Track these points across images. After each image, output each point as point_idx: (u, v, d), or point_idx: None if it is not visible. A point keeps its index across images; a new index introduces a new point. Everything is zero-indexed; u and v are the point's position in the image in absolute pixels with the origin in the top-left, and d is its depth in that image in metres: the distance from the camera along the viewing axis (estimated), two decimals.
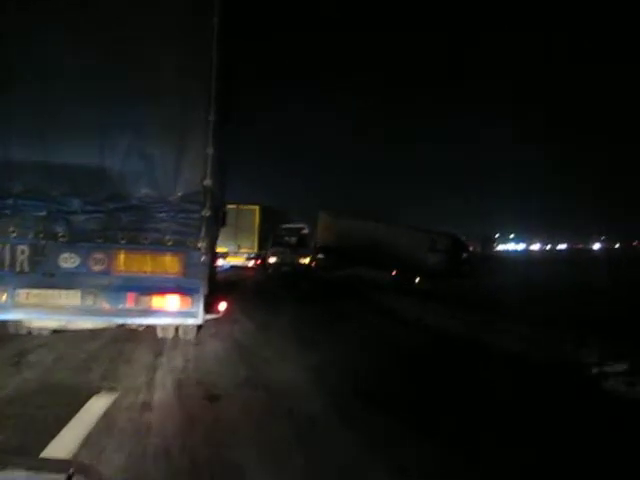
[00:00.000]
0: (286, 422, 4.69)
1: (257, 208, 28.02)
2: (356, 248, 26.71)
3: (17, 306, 5.62)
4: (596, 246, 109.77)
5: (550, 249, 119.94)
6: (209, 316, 6.20)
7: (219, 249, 25.65)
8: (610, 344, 8.27)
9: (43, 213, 5.64)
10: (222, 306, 6.47)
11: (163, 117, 5.82)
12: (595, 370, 6.82)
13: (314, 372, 6.42)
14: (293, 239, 27.87)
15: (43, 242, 5.62)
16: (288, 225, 30.29)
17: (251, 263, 28.04)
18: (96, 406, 4.76)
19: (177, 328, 7.05)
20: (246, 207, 26.85)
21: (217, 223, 6.48)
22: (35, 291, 5.63)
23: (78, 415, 4.49)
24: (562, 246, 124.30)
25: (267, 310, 12.12)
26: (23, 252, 5.59)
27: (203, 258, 5.87)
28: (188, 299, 5.81)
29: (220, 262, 22.31)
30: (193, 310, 5.84)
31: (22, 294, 5.61)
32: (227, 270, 23.73)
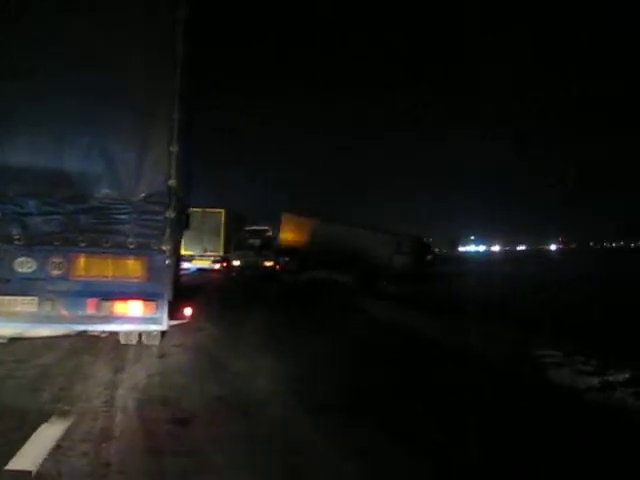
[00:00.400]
0: (268, 450, 4.15)
1: (223, 212, 28.08)
2: (320, 250, 26.41)
3: None
4: (552, 247, 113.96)
5: (510, 250, 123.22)
6: (174, 322, 5.95)
7: (185, 252, 24.13)
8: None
9: None
10: (187, 311, 6.23)
11: (125, 114, 5.54)
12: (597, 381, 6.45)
13: (292, 385, 5.99)
14: (257, 241, 27.02)
15: None
16: (251, 227, 29.92)
17: (217, 266, 28.00)
18: (45, 436, 4.16)
19: (140, 334, 6.81)
20: (212, 211, 27.15)
21: (181, 225, 6.12)
22: None
23: (22, 451, 3.84)
24: (522, 247, 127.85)
25: (234, 316, 11.67)
26: None
27: (167, 261, 5.62)
28: (152, 304, 5.54)
29: (187, 265, 23.50)
30: (157, 316, 5.57)
31: None
32: (193, 273, 24.65)
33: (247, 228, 29.57)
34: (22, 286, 5.30)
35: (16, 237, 5.29)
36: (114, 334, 6.68)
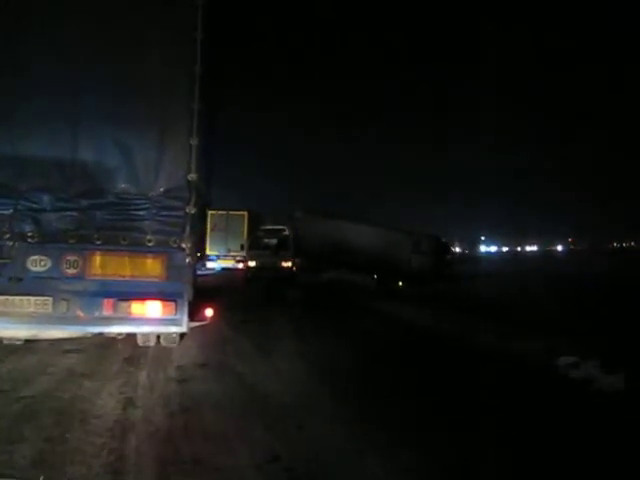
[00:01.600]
0: None
1: (245, 214, 29.15)
2: (336, 250, 26.02)
3: None
4: (559, 247, 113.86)
5: (521, 251, 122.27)
6: (194, 323, 5.67)
7: (211, 252, 26.18)
8: None
9: (9, 211, 5.10)
10: (208, 312, 5.94)
11: (143, 106, 5.34)
12: None
13: (371, 439, 4.58)
14: (273, 241, 25.81)
15: (9, 243, 5.09)
16: (267, 226, 28.93)
17: (240, 265, 28.82)
18: None
19: (159, 336, 6.49)
20: (235, 213, 28.75)
21: (203, 222, 5.91)
22: (1, 298, 5.07)
23: None
24: (533, 248, 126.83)
25: (261, 324, 10.80)
26: None
27: (188, 260, 5.39)
28: (171, 305, 5.31)
29: (212, 264, 26.57)
30: (177, 317, 5.34)
31: None
32: (219, 272, 26.67)
33: (263, 227, 28.53)
34: (36, 286, 5.12)
35: (29, 234, 5.11)
36: (131, 335, 6.42)
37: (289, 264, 25.06)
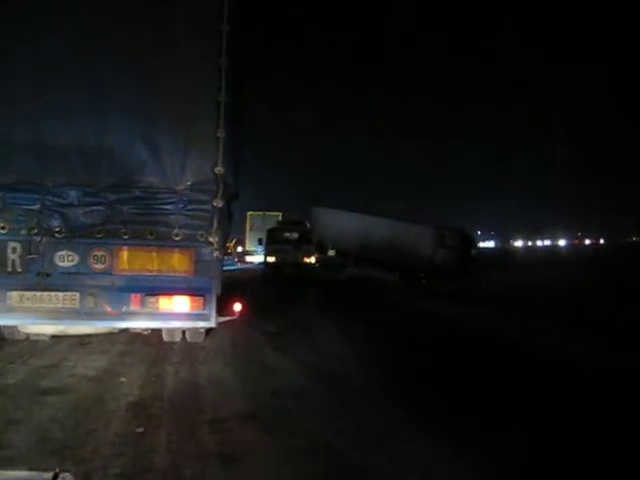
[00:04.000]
0: None
1: (280, 214, 30.11)
2: (357, 245, 25.57)
3: (9, 310, 5.07)
4: (561, 242, 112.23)
5: (532, 246, 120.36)
6: (223, 318, 5.61)
7: (249, 248, 29.98)
8: None
9: (37, 206, 5.07)
10: (237, 307, 5.87)
11: (169, 99, 5.25)
12: None
13: None
14: (294, 235, 23.66)
15: (37, 238, 5.06)
16: (287, 219, 27.49)
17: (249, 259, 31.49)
18: None
19: (184, 332, 6.58)
20: (271, 213, 31.15)
21: (230, 216, 5.84)
22: (29, 293, 5.07)
23: None
24: (545, 242, 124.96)
25: (296, 333, 9.34)
26: (15, 250, 5.04)
27: (215, 254, 5.31)
28: (199, 300, 5.27)
29: (251, 259, 30.34)
30: (205, 312, 5.29)
31: (15, 297, 5.06)
32: (257, 265, 27.58)
33: (281, 219, 27.44)
34: (63, 281, 5.11)
35: (57, 229, 5.07)
36: (156, 331, 6.45)
37: (312, 260, 23.07)
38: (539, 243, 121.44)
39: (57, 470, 1.31)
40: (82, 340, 7.43)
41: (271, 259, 22.78)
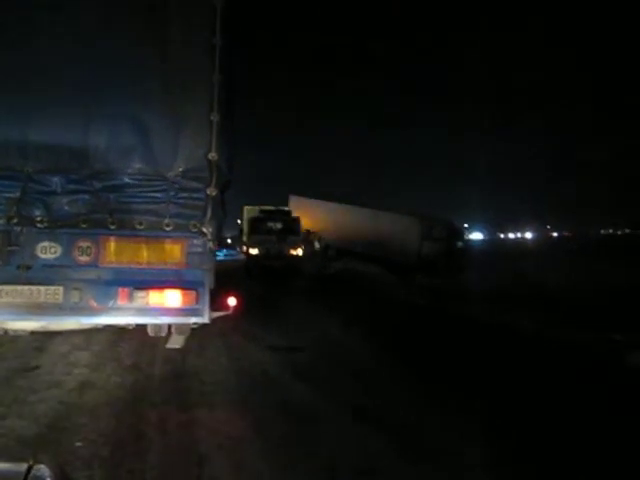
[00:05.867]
0: None
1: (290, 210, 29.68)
2: (337, 237, 24.65)
3: None
4: (528, 235, 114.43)
5: (503, 238, 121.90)
6: (216, 313, 5.28)
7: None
8: None
9: (16, 194, 4.71)
10: (231, 301, 5.55)
11: (159, 81, 4.92)
12: None
13: None
14: (278, 225, 22.50)
15: (17, 229, 4.72)
16: (268, 207, 25.49)
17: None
18: None
19: (170, 326, 6.07)
20: (282, 209, 28.57)
21: (224, 206, 5.54)
22: (9, 287, 4.73)
23: None
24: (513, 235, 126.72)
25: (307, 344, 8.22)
26: None
27: (209, 245, 5.02)
28: (192, 294, 4.97)
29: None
30: (198, 307, 4.99)
31: None
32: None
33: (262, 208, 25.05)
34: (46, 274, 4.79)
35: (38, 219, 4.75)
36: (140, 326, 5.92)
37: (298, 252, 22.19)
38: (511, 235, 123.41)
39: (31, 462, 1.31)
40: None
41: (254, 251, 21.89)
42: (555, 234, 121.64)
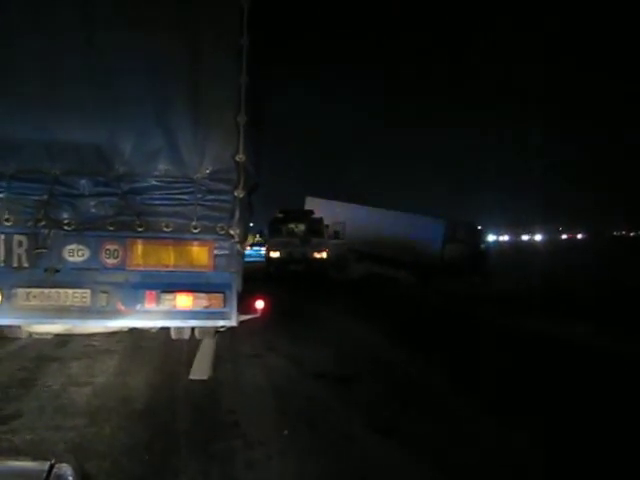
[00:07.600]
0: None
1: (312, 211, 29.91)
2: (361, 239, 24.29)
3: (15, 309, 4.70)
4: (537, 237, 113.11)
5: (517, 240, 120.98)
6: (244, 317, 5.23)
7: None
8: None
9: (44, 196, 4.69)
10: (259, 304, 5.52)
11: (186, 83, 4.89)
12: None
13: None
14: (301, 226, 21.53)
15: (45, 231, 4.70)
16: (290, 208, 24.18)
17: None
18: None
19: (193, 329, 5.99)
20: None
21: (251, 208, 5.48)
22: (36, 290, 4.71)
23: None
24: (528, 237, 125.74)
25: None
26: (21, 244, 4.69)
27: (237, 248, 4.95)
28: (219, 297, 4.90)
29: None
30: (225, 310, 4.93)
31: (21, 294, 4.69)
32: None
33: (283, 209, 23.39)
34: (73, 277, 4.76)
35: (66, 221, 4.73)
36: (163, 328, 5.87)
37: (323, 255, 20.88)
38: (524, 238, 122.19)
39: (53, 461, 1.32)
40: None
41: (275, 254, 20.92)
42: (564, 236, 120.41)
